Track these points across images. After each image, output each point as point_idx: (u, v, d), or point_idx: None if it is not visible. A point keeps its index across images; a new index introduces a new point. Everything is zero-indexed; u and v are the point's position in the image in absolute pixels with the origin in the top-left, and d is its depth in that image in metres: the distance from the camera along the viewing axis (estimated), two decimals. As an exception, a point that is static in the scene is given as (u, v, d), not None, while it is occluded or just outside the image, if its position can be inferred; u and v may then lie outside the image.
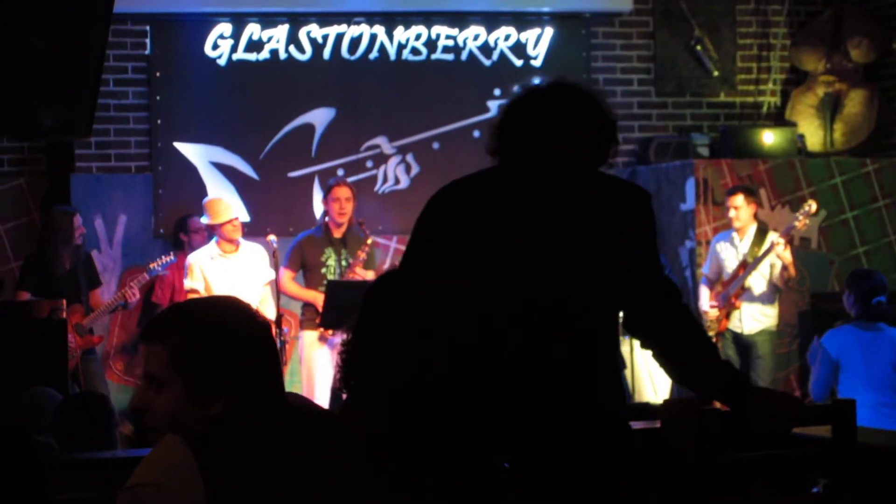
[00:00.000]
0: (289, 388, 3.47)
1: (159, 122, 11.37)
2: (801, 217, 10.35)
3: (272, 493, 2.80)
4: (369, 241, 9.89)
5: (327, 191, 10.14)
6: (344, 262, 9.87)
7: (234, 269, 9.92)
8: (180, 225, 11.00)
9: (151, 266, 10.22)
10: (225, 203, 10.15)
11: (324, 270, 9.91)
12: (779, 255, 10.26)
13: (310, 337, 9.86)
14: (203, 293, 9.70)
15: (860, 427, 4.30)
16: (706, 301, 10.58)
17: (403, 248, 11.66)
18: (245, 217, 10.97)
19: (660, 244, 9.79)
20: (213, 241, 10.11)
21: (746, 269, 10.38)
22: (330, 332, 9.69)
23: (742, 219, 10.49)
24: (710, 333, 10.42)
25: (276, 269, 9.84)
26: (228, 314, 2.95)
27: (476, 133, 11.87)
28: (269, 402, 2.92)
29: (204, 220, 10.19)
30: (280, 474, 2.82)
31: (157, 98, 11.37)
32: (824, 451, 4.38)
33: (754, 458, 4.49)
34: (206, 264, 9.94)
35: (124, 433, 9.88)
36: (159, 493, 2.71)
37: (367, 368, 4.17)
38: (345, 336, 4.31)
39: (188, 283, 9.94)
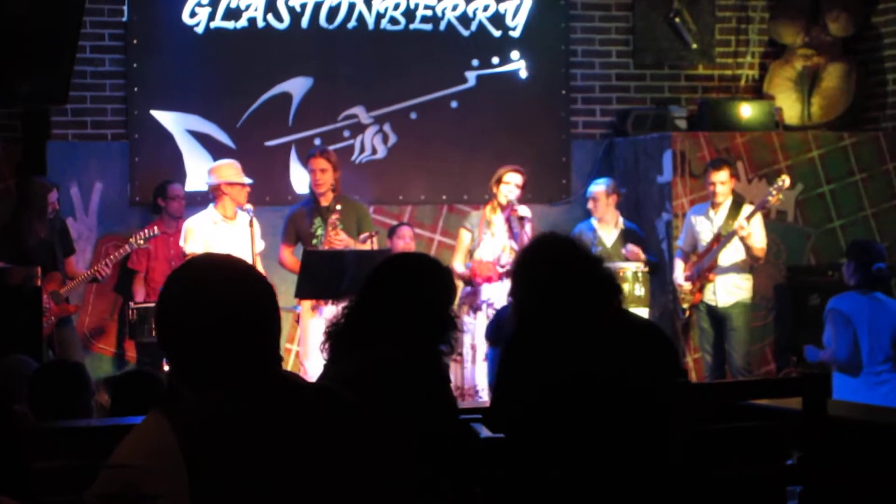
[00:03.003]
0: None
1: (136, 89, 11.29)
2: (774, 192, 10.30)
3: (258, 475, 2.73)
4: (339, 207, 9.81)
5: (306, 161, 10.13)
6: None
7: (234, 235, 9.81)
8: (159, 190, 10.94)
9: (131, 240, 10.15)
10: (238, 166, 10.01)
11: (315, 241, 9.89)
12: (744, 243, 10.24)
13: (305, 306, 9.89)
14: None
15: (833, 400, 4.33)
16: (681, 274, 10.58)
17: (381, 218, 11.58)
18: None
19: (637, 216, 9.72)
20: (211, 207, 9.97)
21: (720, 242, 10.36)
22: (322, 301, 9.66)
23: (725, 193, 10.42)
24: (685, 306, 10.46)
25: (252, 239, 9.72)
26: (207, 278, 2.86)
27: (454, 104, 11.83)
28: (253, 373, 2.83)
29: (211, 180, 9.96)
30: (267, 455, 2.75)
31: (134, 65, 11.29)
32: (796, 423, 4.41)
33: (727, 431, 4.52)
34: (209, 229, 9.85)
35: (100, 402, 9.87)
36: (140, 475, 2.68)
37: (357, 336, 4.35)
38: (344, 303, 4.51)
39: (189, 248, 9.80)
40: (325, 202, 9.99)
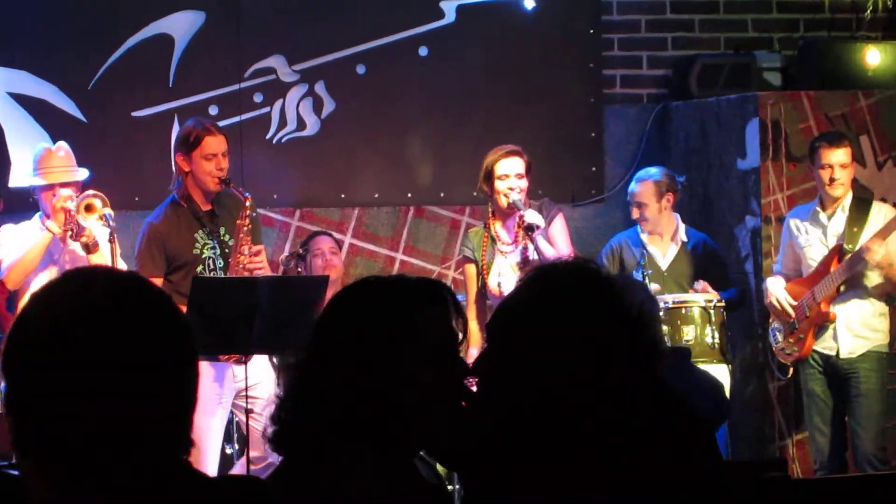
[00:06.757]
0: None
1: (-69, 33, 11.06)
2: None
3: None
4: (248, 203, 9.45)
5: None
6: (227, 249, 9.56)
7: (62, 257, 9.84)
8: None
9: None
10: (67, 159, 9.97)
11: (200, 269, 9.53)
12: (883, 271, 10.12)
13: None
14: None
15: None
16: (786, 300, 10.30)
17: (309, 227, 11.30)
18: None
19: (706, 221, 9.49)
20: (37, 216, 10.00)
21: (844, 263, 10.17)
22: (221, 357, 9.36)
23: (846, 184, 10.21)
24: (787, 362, 10.22)
25: (114, 257, 9.60)
26: (105, 305, 2.69)
27: (423, 50, 11.97)
28: (148, 462, 2.67)
29: (30, 176, 10.02)
30: None
31: (-74, -3, 11.17)
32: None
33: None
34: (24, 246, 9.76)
35: None
36: None
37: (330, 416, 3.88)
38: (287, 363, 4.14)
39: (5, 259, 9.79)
40: (205, 206, 9.62)
